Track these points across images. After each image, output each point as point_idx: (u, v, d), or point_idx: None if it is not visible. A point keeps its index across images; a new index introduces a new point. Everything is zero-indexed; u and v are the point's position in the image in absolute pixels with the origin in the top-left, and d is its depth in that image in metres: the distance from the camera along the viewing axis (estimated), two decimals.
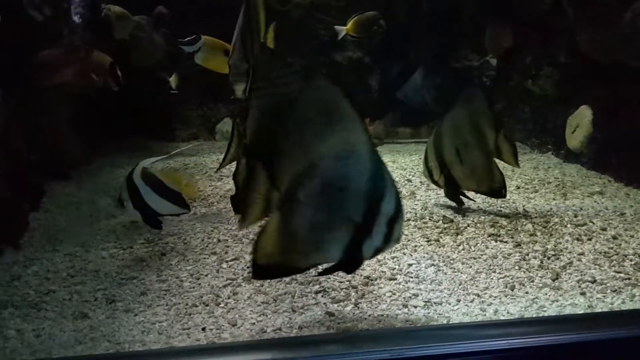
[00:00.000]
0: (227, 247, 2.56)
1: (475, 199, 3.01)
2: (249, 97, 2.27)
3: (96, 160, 3.85)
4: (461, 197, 2.93)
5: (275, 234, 1.61)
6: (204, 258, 2.46)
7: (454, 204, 2.97)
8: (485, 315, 1.97)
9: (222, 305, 2.06)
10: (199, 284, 2.22)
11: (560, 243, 2.55)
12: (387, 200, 1.54)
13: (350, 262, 1.64)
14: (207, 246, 2.57)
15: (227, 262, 2.41)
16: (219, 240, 2.62)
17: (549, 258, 2.40)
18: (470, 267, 2.33)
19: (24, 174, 2.89)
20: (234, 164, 2.38)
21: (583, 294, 2.12)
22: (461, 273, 2.28)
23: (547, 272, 2.27)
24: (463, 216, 2.87)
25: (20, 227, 2.75)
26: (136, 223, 2.85)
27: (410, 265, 2.34)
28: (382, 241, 1.59)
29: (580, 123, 3.66)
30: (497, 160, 2.85)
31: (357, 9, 4.13)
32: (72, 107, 3.51)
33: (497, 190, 2.84)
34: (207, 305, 2.06)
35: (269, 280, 2.21)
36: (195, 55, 3.07)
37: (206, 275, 2.29)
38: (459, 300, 2.07)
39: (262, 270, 1.66)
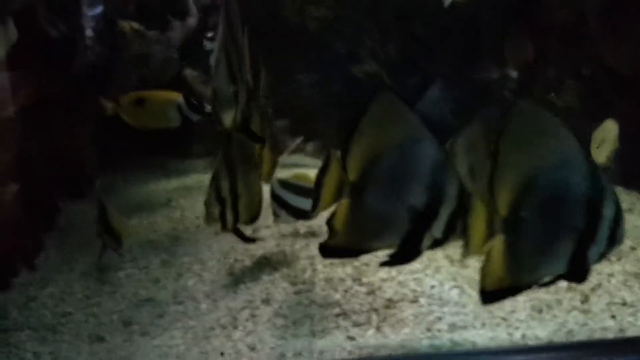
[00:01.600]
0: (245, 267, 2.52)
1: None
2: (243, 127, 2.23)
3: (110, 177, 3.84)
4: None
5: (502, 257, 1.64)
6: (221, 279, 2.42)
7: None
8: (512, 339, 1.91)
9: (240, 328, 2.02)
10: (216, 306, 2.19)
11: None
12: (607, 205, 1.59)
13: (577, 271, 1.64)
14: (223, 267, 2.53)
15: (244, 283, 2.36)
16: (235, 261, 2.58)
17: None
18: None
19: (40, 193, 2.87)
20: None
21: (613, 317, 2.04)
22: None
23: (575, 294, 2.19)
24: None
25: (35, 246, 2.74)
26: (153, 242, 2.83)
27: (432, 287, 2.27)
28: (606, 245, 1.60)
29: (605, 137, 3.57)
30: None
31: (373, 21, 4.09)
32: (88, 124, 3.50)
33: None
34: (224, 328, 2.02)
35: (287, 303, 2.17)
36: None
37: (223, 297, 2.25)
38: (484, 324, 2.01)
39: (491, 295, 1.69)
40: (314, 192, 1.72)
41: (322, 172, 1.70)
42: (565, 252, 1.60)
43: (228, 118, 2.18)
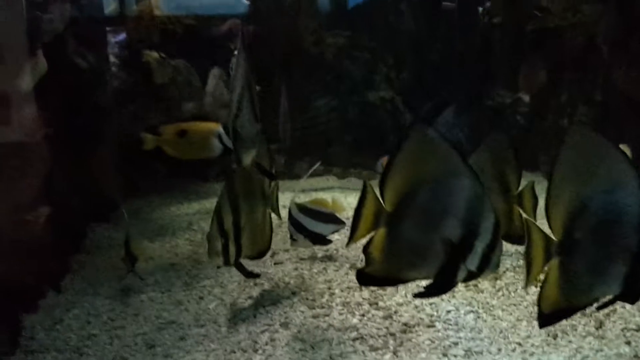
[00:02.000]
0: (264, 291, 2.57)
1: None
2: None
3: (134, 201, 3.93)
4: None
5: (557, 280, 1.70)
6: (241, 302, 2.47)
7: None
8: None
9: (260, 352, 2.07)
10: (237, 330, 2.23)
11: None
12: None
13: (631, 293, 1.67)
14: (244, 290, 2.59)
15: (263, 307, 2.41)
16: (255, 284, 2.64)
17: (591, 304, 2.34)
18: (511, 314, 2.29)
19: (68, 217, 2.96)
20: None
21: (628, 342, 2.06)
22: (501, 320, 2.24)
23: (590, 320, 2.21)
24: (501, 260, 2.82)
25: (62, 269, 2.82)
26: (175, 265, 2.90)
27: (448, 311, 2.31)
28: None
29: None
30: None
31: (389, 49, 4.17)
32: (113, 150, 3.61)
33: (515, 237, 2.79)
34: (245, 352, 2.07)
35: (305, 327, 2.22)
36: None
37: (244, 321, 2.30)
38: (500, 349, 2.03)
39: (547, 317, 1.75)
40: (352, 222, 1.75)
41: (360, 203, 1.73)
42: (619, 274, 1.62)
43: (248, 158, 2.22)
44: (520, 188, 2.69)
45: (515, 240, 2.78)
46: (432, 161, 1.67)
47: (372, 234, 1.75)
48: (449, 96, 4.97)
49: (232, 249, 2.21)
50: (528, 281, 1.74)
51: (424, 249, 1.71)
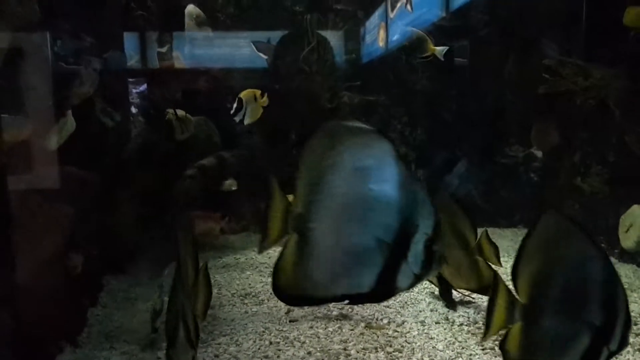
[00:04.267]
0: (279, 350, 2.57)
1: None
2: None
3: (151, 252, 3.97)
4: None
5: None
6: None
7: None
8: None
9: None
10: None
11: (620, 355, 2.46)
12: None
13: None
14: (259, 348, 2.59)
15: None
16: (270, 343, 2.64)
17: None
18: None
19: (86, 270, 3.01)
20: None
21: None
22: None
23: None
24: None
25: (79, 323, 2.84)
26: None
27: None
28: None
29: (633, 222, 3.61)
30: None
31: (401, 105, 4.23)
32: (131, 203, 3.69)
33: (487, 288, 2.82)
34: None
35: None
36: (244, 119, 3.21)
37: None
38: None
39: None
40: (486, 318, 1.68)
41: (492, 297, 1.68)
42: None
43: None
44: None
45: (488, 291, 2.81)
46: (564, 247, 1.62)
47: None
48: (460, 152, 5.05)
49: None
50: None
51: (566, 337, 1.64)
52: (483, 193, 4.86)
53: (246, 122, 3.17)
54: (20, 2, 2.14)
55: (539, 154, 4.88)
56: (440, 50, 3.59)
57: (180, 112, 3.66)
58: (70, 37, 2.96)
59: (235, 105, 3.09)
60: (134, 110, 4.21)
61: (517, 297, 1.65)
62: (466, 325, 2.78)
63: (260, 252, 1.60)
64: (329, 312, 2.93)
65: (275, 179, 1.54)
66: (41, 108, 2.61)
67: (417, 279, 1.50)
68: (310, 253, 1.49)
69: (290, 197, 1.54)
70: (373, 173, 1.46)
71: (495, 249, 2.82)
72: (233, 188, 3.96)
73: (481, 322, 2.82)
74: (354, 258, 1.49)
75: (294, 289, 1.54)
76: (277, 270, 1.55)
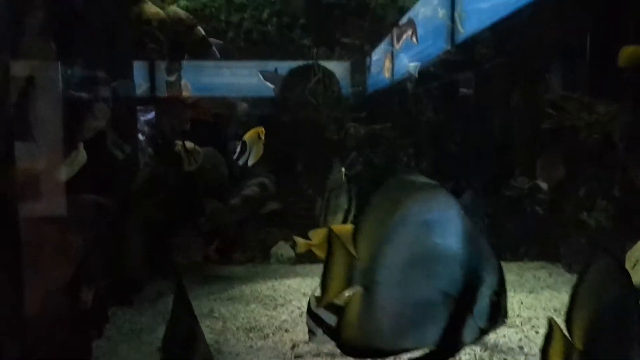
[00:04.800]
0: None
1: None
2: None
3: (156, 283, 3.96)
4: None
5: None
6: None
7: (516, 344, 2.91)
8: None
9: None
10: None
11: None
12: None
13: None
14: None
15: None
16: None
17: None
18: None
19: (94, 302, 3.01)
20: None
21: None
22: None
23: None
24: None
25: (85, 356, 2.83)
26: None
27: None
28: None
29: None
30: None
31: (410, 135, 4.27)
32: (139, 234, 3.71)
33: None
34: None
35: None
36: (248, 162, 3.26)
37: None
38: None
39: None
40: None
41: (547, 342, 1.62)
42: None
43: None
44: None
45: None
46: (613, 288, 1.59)
47: None
48: (465, 183, 5.08)
49: None
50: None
51: None
52: (488, 226, 4.86)
53: (250, 163, 3.22)
54: (37, 39, 2.19)
55: (544, 185, 4.89)
56: (413, 66, 3.68)
57: (189, 144, 3.71)
58: (83, 69, 3.02)
59: (239, 148, 3.14)
60: (141, 137, 4.26)
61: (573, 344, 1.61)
62: None
63: (319, 306, 1.60)
64: (334, 348, 2.91)
65: (335, 232, 1.54)
66: (54, 140, 2.65)
67: (482, 333, 1.49)
68: (377, 307, 1.49)
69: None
70: (439, 227, 1.48)
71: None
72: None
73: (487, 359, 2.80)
74: (420, 311, 1.49)
75: (360, 343, 1.52)
76: (343, 325, 1.52)
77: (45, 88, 2.41)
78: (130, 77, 4.27)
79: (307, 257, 4.56)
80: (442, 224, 1.47)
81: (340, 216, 2.90)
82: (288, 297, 3.75)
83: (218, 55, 4.90)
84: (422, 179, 1.51)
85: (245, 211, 4.12)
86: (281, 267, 4.67)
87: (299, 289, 3.91)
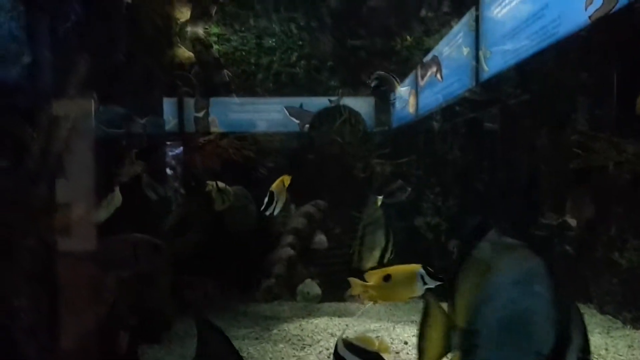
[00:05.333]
0: None
1: None
2: None
3: (185, 321, 4.00)
4: None
5: None
6: None
7: None
8: None
9: None
10: None
11: None
12: None
13: None
14: None
15: None
16: None
17: None
18: None
19: (124, 341, 3.05)
20: None
21: None
22: None
23: None
24: None
25: None
26: None
27: None
28: None
29: None
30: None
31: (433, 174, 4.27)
32: (167, 274, 3.76)
33: None
34: None
35: None
36: (275, 211, 3.31)
37: None
38: None
39: None
40: None
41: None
42: None
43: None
44: None
45: None
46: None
47: None
48: (491, 220, 5.04)
49: None
50: None
51: None
52: None
53: (276, 212, 3.28)
54: (81, 92, 2.30)
55: (573, 222, 4.83)
56: (404, 90, 3.77)
57: (220, 184, 3.78)
58: (119, 114, 3.13)
59: (266, 199, 3.21)
60: (172, 175, 4.35)
61: None
62: None
63: None
64: None
65: (432, 297, 1.59)
66: (93, 183, 2.74)
67: None
68: None
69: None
70: (530, 287, 1.49)
71: None
72: (324, 246, 4.06)
73: None
74: None
75: None
76: None
77: (87, 136, 2.51)
78: (161, 115, 4.40)
79: (334, 296, 4.57)
80: (533, 284, 1.48)
81: (377, 253, 2.89)
82: (316, 337, 3.75)
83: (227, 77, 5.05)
84: (511, 240, 1.56)
85: (298, 245, 4.13)
86: (307, 305, 4.68)
87: (326, 329, 3.91)
